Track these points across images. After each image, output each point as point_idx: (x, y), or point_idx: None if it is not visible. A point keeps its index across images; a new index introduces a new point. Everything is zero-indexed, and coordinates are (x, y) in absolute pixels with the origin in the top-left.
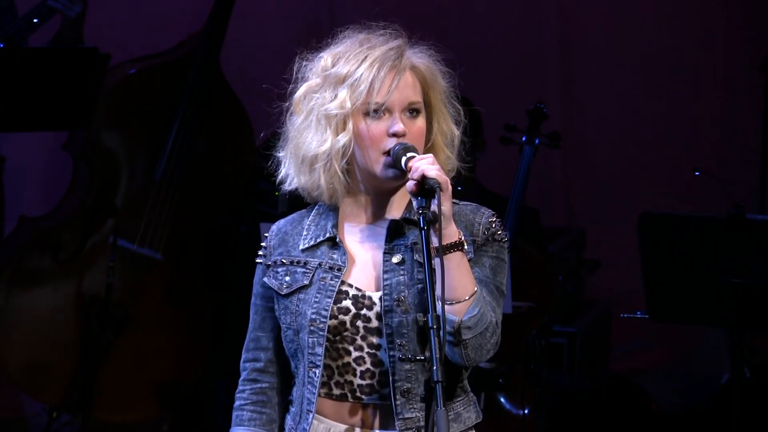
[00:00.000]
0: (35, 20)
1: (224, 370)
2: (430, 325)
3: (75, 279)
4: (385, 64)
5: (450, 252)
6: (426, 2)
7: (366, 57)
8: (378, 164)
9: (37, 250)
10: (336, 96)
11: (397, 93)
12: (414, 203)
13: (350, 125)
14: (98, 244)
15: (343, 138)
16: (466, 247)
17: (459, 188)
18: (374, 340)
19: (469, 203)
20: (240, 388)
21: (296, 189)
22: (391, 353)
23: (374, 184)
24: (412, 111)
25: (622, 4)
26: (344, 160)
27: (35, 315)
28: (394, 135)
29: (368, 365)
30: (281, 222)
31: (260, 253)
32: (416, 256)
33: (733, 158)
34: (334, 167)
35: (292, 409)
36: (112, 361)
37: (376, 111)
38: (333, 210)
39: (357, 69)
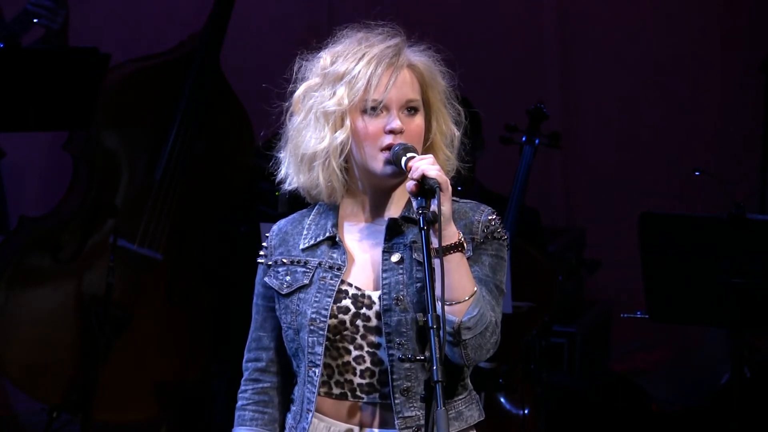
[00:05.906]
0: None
1: (224, 370)
2: (430, 324)
3: (75, 279)
4: (382, 61)
5: (450, 253)
6: (426, 2)
7: (364, 54)
8: (376, 161)
9: (37, 250)
10: (334, 93)
11: (395, 90)
12: (414, 203)
13: (348, 122)
14: (98, 244)
15: (341, 135)
16: (465, 247)
17: (459, 188)
18: (374, 339)
19: (468, 201)
20: (242, 387)
21: (296, 189)
22: (391, 352)
23: (373, 182)
24: (410, 109)
25: (622, 4)
26: (342, 158)
27: (35, 315)
28: (391, 132)
29: (368, 364)
30: (282, 222)
31: (261, 253)
32: (415, 255)
33: (733, 158)
34: (332, 165)
35: (293, 408)
36: (112, 361)
37: (373, 108)
38: (333, 209)
39: (355, 66)
